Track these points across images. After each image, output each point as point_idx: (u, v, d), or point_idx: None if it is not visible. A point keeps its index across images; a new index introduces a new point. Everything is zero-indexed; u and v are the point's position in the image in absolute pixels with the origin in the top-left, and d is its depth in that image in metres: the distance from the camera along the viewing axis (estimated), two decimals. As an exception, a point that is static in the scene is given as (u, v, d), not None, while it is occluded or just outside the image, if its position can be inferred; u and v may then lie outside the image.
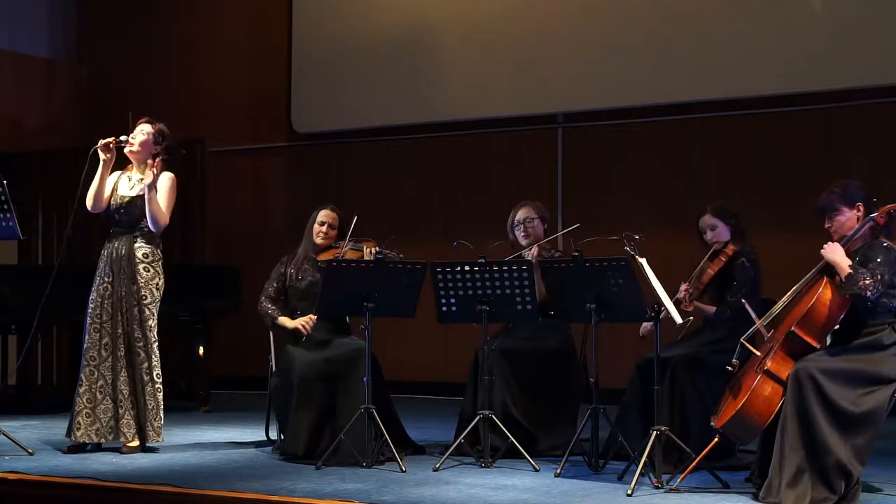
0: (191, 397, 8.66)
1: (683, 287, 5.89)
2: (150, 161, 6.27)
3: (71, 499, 5.27)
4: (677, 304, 5.67)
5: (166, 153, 6.36)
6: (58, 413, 7.62)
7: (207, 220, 9.61)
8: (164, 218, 6.25)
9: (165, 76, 10.71)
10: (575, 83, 9.08)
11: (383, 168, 9.92)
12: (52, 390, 9.69)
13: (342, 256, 6.16)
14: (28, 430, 7.05)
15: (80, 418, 6.11)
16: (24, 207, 8.93)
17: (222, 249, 9.66)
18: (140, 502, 5.17)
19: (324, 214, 6.40)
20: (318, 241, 6.36)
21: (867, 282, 4.73)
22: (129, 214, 6.24)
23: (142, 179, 6.28)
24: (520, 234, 6.53)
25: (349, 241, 6.24)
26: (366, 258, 6.13)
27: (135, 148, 6.27)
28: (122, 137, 6.28)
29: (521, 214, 6.55)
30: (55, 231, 10.13)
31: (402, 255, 6.16)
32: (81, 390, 6.12)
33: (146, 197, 6.15)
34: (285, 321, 6.27)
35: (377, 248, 6.18)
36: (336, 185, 9.88)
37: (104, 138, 6.29)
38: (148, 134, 6.31)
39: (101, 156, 6.21)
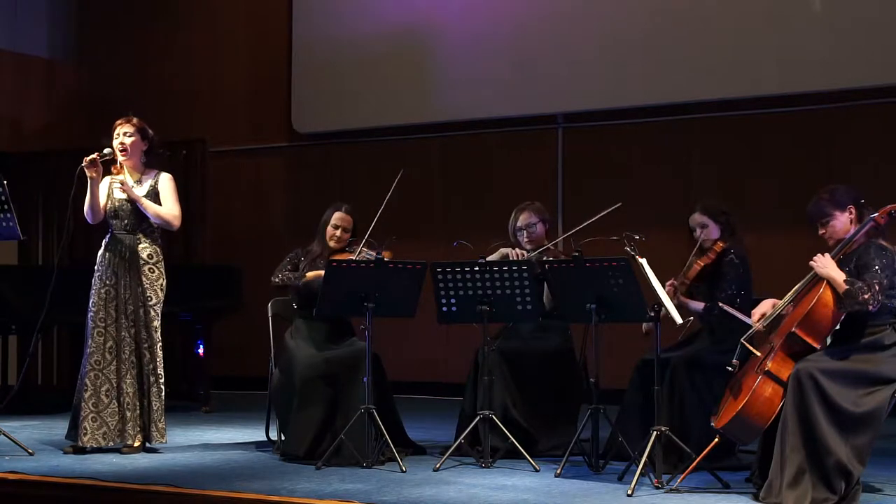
0: (191, 397, 8.66)
1: (670, 282, 5.90)
2: (143, 166, 6.28)
3: (71, 499, 5.26)
4: None
5: (150, 147, 6.30)
6: (58, 413, 7.61)
7: (207, 220, 9.61)
8: (177, 218, 6.28)
9: (165, 76, 10.69)
10: (575, 83, 9.08)
11: (383, 168, 9.89)
12: (52, 390, 9.69)
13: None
14: (28, 430, 7.05)
15: (86, 423, 6.07)
16: (24, 207, 8.93)
17: (222, 249, 9.66)
18: (140, 502, 5.16)
19: (338, 217, 6.31)
20: (332, 244, 6.29)
21: (866, 296, 4.70)
22: (130, 217, 6.23)
23: (139, 181, 6.28)
24: (522, 239, 6.51)
25: (364, 243, 6.13)
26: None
27: (126, 157, 6.21)
28: (106, 151, 6.17)
29: (521, 220, 6.52)
30: (55, 231, 10.13)
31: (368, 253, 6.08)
32: (87, 395, 6.08)
33: (146, 207, 6.15)
34: (312, 274, 6.15)
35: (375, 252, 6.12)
36: (336, 186, 9.87)
37: (99, 145, 6.24)
38: (133, 134, 6.24)
39: (88, 173, 6.11)
